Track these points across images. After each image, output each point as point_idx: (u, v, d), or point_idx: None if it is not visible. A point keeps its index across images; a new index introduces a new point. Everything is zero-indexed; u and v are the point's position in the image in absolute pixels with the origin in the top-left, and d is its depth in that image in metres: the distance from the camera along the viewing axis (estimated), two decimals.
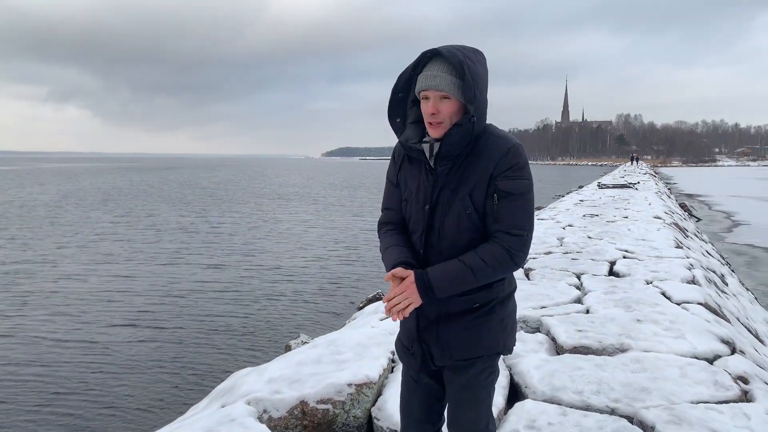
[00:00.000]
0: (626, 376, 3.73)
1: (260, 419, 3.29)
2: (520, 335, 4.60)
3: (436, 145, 1.98)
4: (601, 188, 26.39)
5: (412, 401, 2.24)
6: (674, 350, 4.19)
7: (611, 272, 7.21)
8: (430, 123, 1.94)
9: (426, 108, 1.93)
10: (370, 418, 3.44)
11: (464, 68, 1.87)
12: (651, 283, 6.39)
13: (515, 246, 1.95)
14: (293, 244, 17.81)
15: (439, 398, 2.23)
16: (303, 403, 3.39)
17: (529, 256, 8.12)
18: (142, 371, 7.08)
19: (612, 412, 3.31)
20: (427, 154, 2.01)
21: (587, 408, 3.36)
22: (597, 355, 4.17)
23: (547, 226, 11.82)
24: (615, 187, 26.84)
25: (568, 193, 30.03)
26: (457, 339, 2.05)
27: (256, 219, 25.09)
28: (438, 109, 1.91)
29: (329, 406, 3.39)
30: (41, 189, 44.01)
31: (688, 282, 6.54)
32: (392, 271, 1.99)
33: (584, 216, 13.79)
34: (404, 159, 2.12)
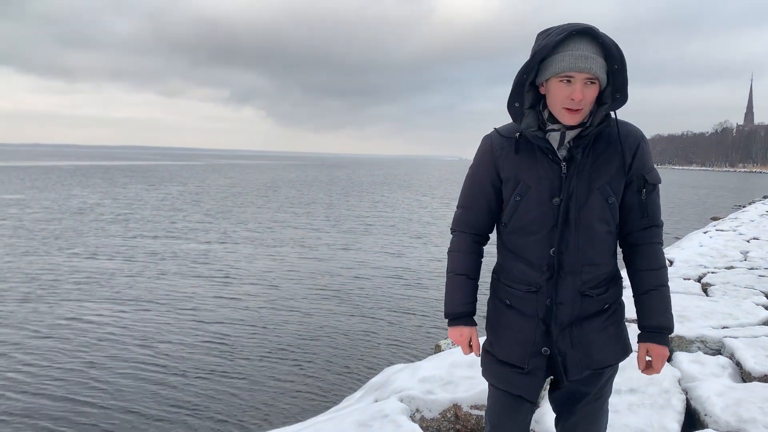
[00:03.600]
0: None
1: (412, 418, 3.25)
2: (698, 356, 4.15)
3: (569, 133, 1.79)
4: None
5: None
6: None
7: None
8: (569, 109, 1.74)
9: (570, 92, 1.71)
10: None
11: (620, 51, 1.71)
12: None
13: (661, 236, 1.93)
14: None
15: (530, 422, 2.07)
16: (456, 406, 3.29)
17: (706, 270, 7.40)
18: (297, 361, 7.40)
19: None
20: (556, 143, 1.81)
21: None
22: None
23: (727, 238, 10.72)
24: None
25: (750, 203, 27.14)
26: (598, 344, 1.88)
27: (416, 214, 25.54)
28: (585, 95, 1.71)
29: (483, 413, 3.26)
30: (228, 181, 48.38)
31: None
32: (471, 350, 2.01)
33: None
34: (509, 150, 1.88)
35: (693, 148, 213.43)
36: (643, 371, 1.95)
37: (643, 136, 1.87)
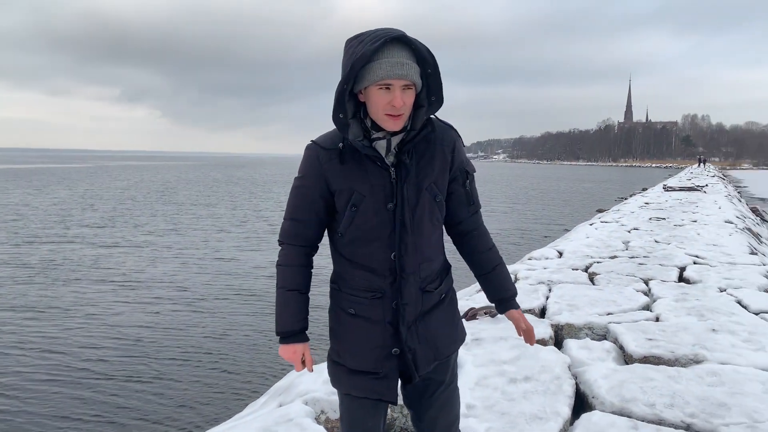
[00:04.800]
0: (702, 389, 3.50)
1: (317, 420, 3.24)
2: (586, 342, 4.42)
3: (394, 139, 1.83)
4: (667, 191, 25.45)
5: None
6: (755, 364, 3.91)
7: (681, 278, 6.88)
8: (391, 115, 1.77)
9: (390, 99, 1.74)
10: None
11: (432, 55, 1.78)
12: (725, 290, 6.05)
13: (482, 219, 2.12)
14: None
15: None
16: None
17: (592, 260, 7.87)
18: (199, 366, 7.19)
19: (687, 428, 3.11)
20: (383, 151, 1.84)
21: (660, 422, 3.17)
22: (669, 365, 3.94)
23: (611, 230, 11.44)
24: (682, 189, 25.83)
25: (631, 196, 29.14)
26: (441, 334, 1.98)
27: None
28: (404, 101, 1.76)
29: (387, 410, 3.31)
30: (122, 183, 45.98)
31: (766, 290, 6.16)
32: (304, 364, 1.99)
33: (650, 219, 13.29)
34: (335, 161, 1.85)
35: (580, 145, 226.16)
36: (525, 339, 2.12)
37: (457, 133, 1.98)
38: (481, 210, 2.11)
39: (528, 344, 2.15)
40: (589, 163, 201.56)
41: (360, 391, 1.95)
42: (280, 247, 2.00)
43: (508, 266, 7.95)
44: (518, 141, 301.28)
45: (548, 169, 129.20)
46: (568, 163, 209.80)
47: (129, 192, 38.56)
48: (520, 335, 2.13)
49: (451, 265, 2.08)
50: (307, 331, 1.98)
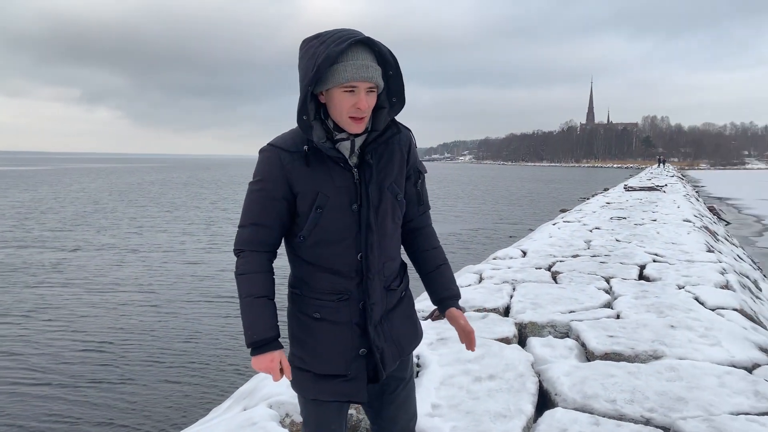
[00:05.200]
0: (661, 384, 3.59)
1: (282, 423, 3.22)
2: (549, 340, 4.48)
3: (357, 140, 1.84)
4: (628, 190, 25.99)
5: None
6: (711, 358, 4.03)
7: (641, 276, 7.03)
8: (354, 117, 1.77)
9: (354, 101, 1.74)
10: None
11: (394, 57, 1.79)
12: (683, 287, 6.20)
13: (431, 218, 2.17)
14: None
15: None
16: None
17: (555, 259, 7.99)
18: (164, 369, 7.08)
19: (647, 422, 3.18)
20: (347, 152, 1.84)
21: (621, 417, 3.23)
22: (629, 362, 4.02)
23: (573, 229, 11.63)
24: (642, 189, 26.42)
25: (593, 195, 29.68)
26: (404, 332, 2.02)
27: None
28: (368, 104, 1.77)
29: (353, 411, 3.31)
30: (83, 185, 44.97)
31: (722, 287, 6.34)
32: (283, 372, 1.86)
33: (611, 219, 13.55)
34: (299, 164, 1.82)
35: (543, 146, 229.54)
36: (467, 346, 2.05)
37: (412, 134, 2.01)
38: (429, 211, 2.13)
39: (469, 350, 2.06)
40: (553, 164, 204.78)
41: (329, 395, 1.93)
42: (237, 257, 1.92)
43: (473, 266, 8.01)
44: (484, 142, 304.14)
45: (513, 170, 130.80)
46: (532, 164, 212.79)
47: (92, 195, 37.77)
48: (462, 341, 2.05)
49: (406, 264, 2.10)
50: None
